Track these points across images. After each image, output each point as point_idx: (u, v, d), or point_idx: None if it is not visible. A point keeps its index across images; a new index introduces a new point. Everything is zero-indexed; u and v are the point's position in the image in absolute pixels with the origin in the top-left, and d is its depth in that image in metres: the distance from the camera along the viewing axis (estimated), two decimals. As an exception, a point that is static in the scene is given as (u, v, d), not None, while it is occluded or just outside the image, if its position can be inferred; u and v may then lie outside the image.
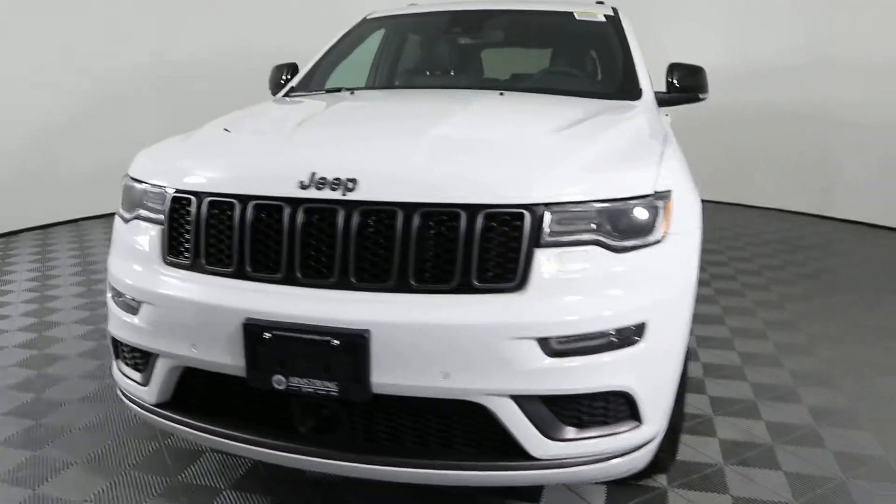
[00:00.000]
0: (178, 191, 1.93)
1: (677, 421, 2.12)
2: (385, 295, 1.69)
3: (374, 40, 3.57)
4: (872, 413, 2.81)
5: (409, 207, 1.70)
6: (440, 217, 1.69)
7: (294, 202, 1.76)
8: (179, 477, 2.33)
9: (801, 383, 3.08)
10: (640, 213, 1.76)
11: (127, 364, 2.11)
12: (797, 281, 4.70)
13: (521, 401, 1.68)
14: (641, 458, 1.86)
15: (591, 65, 3.24)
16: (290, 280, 1.76)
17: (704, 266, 5.05)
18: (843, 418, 2.76)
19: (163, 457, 2.45)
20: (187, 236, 1.90)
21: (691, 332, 2.24)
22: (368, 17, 3.54)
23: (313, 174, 1.77)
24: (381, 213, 1.71)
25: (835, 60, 6.56)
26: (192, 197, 1.89)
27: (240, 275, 1.81)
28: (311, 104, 2.68)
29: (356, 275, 1.72)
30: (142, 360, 2.03)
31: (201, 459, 2.43)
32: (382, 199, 1.71)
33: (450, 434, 1.78)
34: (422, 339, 1.64)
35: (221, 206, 1.85)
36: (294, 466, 1.89)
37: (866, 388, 3.05)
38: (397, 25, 3.65)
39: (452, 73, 3.36)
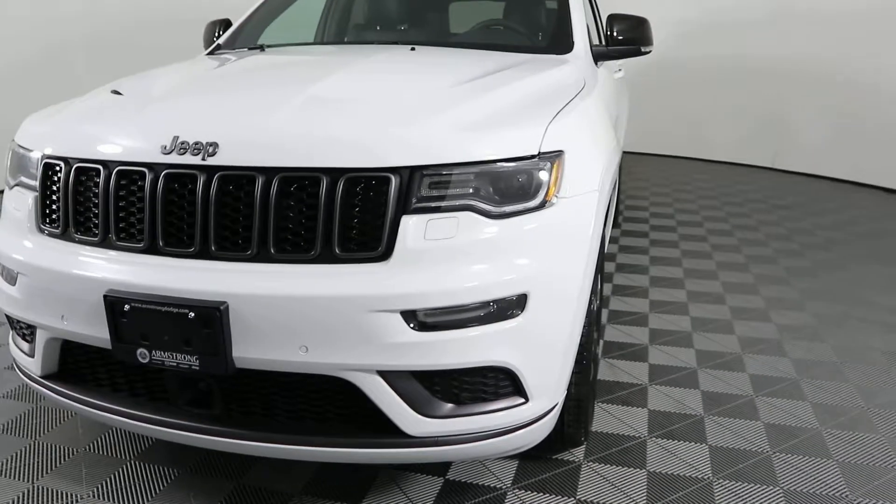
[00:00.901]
0: (50, 156, 1.84)
1: (584, 393, 2.03)
2: (244, 265, 1.60)
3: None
4: (816, 383, 2.70)
5: (269, 172, 1.59)
6: (301, 182, 1.59)
7: (156, 168, 1.67)
8: (86, 447, 2.29)
9: (749, 350, 2.98)
10: (522, 176, 1.64)
11: (18, 336, 2.05)
12: (769, 242, 4.56)
13: (390, 377, 1.60)
14: (532, 435, 1.78)
15: (531, 18, 3.06)
16: (152, 250, 1.67)
17: (674, 226, 4.91)
18: (784, 388, 2.66)
19: (75, 427, 2.41)
20: (58, 204, 1.82)
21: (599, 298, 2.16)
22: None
23: (175, 138, 1.66)
24: (241, 179, 1.61)
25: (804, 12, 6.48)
26: (61, 163, 1.80)
27: (105, 244, 1.73)
28: (211, 64, 2.54)
29: (216, 244, 1.63)
30: (28, 331, 1.97)
31: (113, 430, 2.38)
32: (242, 163, 1.61)
33: (324, 410, 1.71)
34: (279, 311, 1.55)
35: (89, 172, 1.76)
36: (171, 440, 1.83)
37: (818, 355, 2.94)
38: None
39: (392, 28, 3.21)
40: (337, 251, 1.58)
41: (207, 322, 1.57)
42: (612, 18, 2.77)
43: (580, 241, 1.77)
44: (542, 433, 1.82)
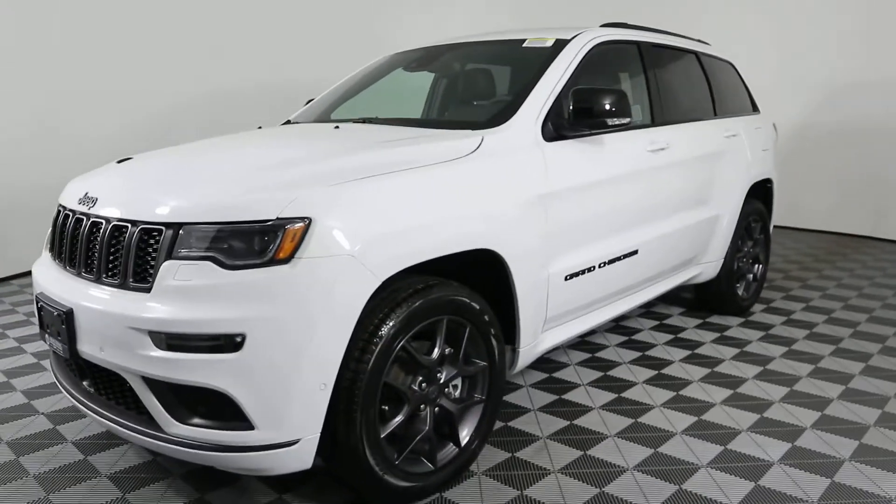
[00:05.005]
0: (59, 203, 2.74)
1: (354, 442, 2.12)
2: (89, 284, 2.23)
3: (401, 76, 3.89)
4: None
5: (108, 221, 2.21)
6: (120, 229, 2.18)
7: (75, 212, 2.42)
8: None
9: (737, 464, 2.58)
10: (256, 236, 1.99)
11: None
12: None
13: (149, 382, 2.06)
14: (271, 461, 2.04)
15: (494, 93, 3.17)
16: (64, 268, 2.41)
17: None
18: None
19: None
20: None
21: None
22: (389, 55, 3.94)
23: (86, 193, 2.40)
24: (98, 224, 2.26)
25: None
26: (57, 205, 2.69)
27: (56, 262, 2.53)
28: (229, 136, 3.22)
29: (83, 267, 2.30)
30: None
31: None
32: (99, 213, 2.26)
33: (133, 399, 2.22)
34: (89, 318, 2.15)
35: (59, 212, 2.59)
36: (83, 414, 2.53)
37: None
38: (404, 61, 3.92)
39: (393, 107, 3.63)
40: (130, 281, 2.12)
41: (62, 321, 2.23)
42: (576, 93, 2.78)
43: (318, 296, 2.00)
44: (289, 463, 2.07)
